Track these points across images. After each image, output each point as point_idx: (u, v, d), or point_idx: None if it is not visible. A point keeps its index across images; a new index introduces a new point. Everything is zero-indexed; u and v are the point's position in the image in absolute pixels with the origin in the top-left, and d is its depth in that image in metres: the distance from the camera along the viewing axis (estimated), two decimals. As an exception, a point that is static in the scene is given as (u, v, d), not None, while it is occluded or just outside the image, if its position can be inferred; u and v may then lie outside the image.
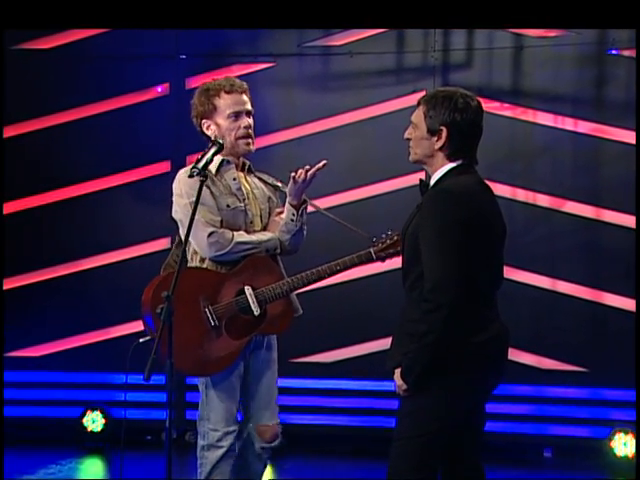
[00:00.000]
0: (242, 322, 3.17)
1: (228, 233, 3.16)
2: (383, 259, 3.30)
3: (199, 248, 3.17)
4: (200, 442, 3.20)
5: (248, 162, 3.37)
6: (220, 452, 3.15)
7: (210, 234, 3.13)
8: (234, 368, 3.20)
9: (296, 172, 3.26)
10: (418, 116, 2.77)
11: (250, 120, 3.27)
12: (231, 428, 3.19)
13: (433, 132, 2.72)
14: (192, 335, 3.10)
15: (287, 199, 3.29)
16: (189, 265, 3.23)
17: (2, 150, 5.25)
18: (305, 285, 3.23)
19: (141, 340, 2.91)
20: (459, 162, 2.74)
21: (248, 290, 3.18)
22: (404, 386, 2.67)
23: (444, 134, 2.71)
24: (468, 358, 2.64)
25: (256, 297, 3.18)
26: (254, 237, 3.22)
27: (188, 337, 3.08)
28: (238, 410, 3.25)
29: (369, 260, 3.28)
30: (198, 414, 3.22)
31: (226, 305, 3.15)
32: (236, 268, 3.19)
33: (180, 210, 3.19)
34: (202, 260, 3.20)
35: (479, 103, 2.77)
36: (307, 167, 3.27)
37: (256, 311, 3.17)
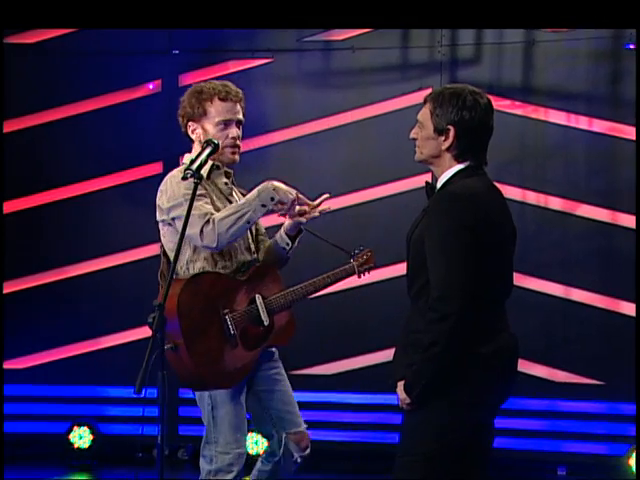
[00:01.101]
0: (252, 333, 3.19)
1: (215, 219, 3.11)
2: (360, 274, 3.46)
3: (195, 242, 3.15)
4: (206, 467, 3.15)
5: (231, 171, 3.40)
6: (230, 477, 3.13)
7: (204, 225, 3.10)
8: (242, 384, 3.20)
9: (298, 199, 3.23)
10: (424, 114, 2.78)
11: (239, 131, 3.29)
12: (243, 450, 3.18)
13: (440, 131, 2.73)
14: (215, 344, 3.10)
15: (284, 227, 3.30)
16: (187, 274, 3.20)
17: (2, 150, 5.26)
18: (305, 296, 3.30)
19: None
20: (467, 163, 2.75)
21: (259, 299, 3.21)
22: (407, 400, 2.67)
23: (451, 133, 2.72)
24: (475, 370, 2.64)
25: (266, 306, 3.22)
26: (236, 203, 3.17)
27: (210, 347, 3.08)
28: (247, 428, 3.24)
29: (352, 274, 3.44)
30: (204, 437, 3.19)
31: (242, 313, 3.17)
32: (246, 275, 3.22)
33: (176, 210, 3.15)
34: (201, 268, 3.19)
35: (489, 101, 2.78)
36: (315, 203, 3.27)
37: (266, 321, 3.20)
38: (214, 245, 3.12)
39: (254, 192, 3.17)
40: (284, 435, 3.27)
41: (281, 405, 3.29)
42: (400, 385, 2.69)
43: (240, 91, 3.31)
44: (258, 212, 3.14)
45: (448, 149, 2.74)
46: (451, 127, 2.72)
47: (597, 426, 4.97)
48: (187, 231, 2.97)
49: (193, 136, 3.28)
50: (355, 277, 3.47)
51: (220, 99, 3.25)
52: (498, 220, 2.73)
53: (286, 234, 3.31)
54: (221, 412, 3.16)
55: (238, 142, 3.29)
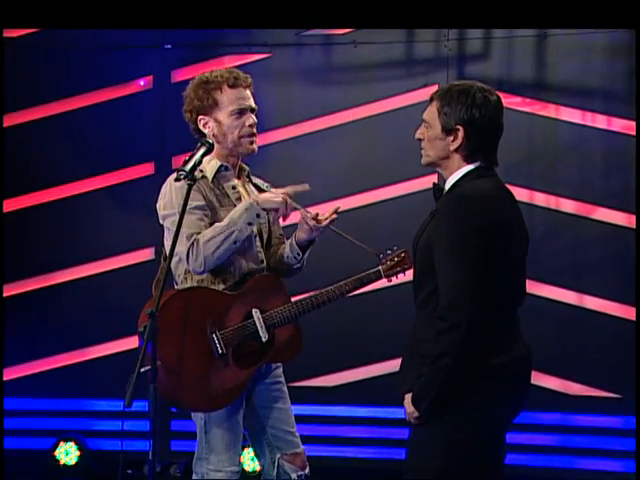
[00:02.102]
0: (249, 349, 3.15)
1: (199, 241, 3.09)
2: (390, 278, 3.35)
3: (184, 264, 3.14)
4: None
5: (247, 168, 3.38)
6: None
7: (189, 249, 3.08)
8: (239, 400, 3.19)
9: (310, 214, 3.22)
10: (431, 113, 2.77)
11: (255, 118, 3.27)
12: (236, 468, 3.17)
13: (448, 131, 2.72)
14: (199, 366, 3.08)
15: (295, 236, 3.27)
16: (183, 285, 3.21)
17: (2, 149, 5.24)
18: (314, 308, 3.22)
19: (142, 370, 2.80)
20: (477, 164, 2.74)
21: (256, 313, 3.16)
22: (415, 413, 2.66)
23: (461, 133, 2.71)
24: (487, 382, 2.64)
25: (264, 321, 3.17)
26: (220, 223, 3.12)
27: (194, 369, 3.06)
28: (241, 445, 3.23)
29: (378, 279, 3.33)
30: (196, 453, 3.19)
31: (234, 330, 3.13)
32: (242, 289, 3.17)
33: (169, 221, 3.16)
34: (201, 280, 3.18)
35: (499, 98, 2.78)
36: (331, 218, 3.24)
37: (264, 337, 3.15)
38: (201, 269, 3.10)
39: (239, 210, 3.13)
40: (278, 456, 3.25)
41: (278, 424, 3.27)
42: (407, 398, 2.68)
43: (248, 76, 3.29)
44: (245, 232, 3.12)
45: (457, 150, 2.73)
46: (460, 127, 2.71)
47: (614, 442, 4.95)
48: (174, 244, 2.99)
49: (206, 130, 3.23)
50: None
51: (230, 86, 3.22)
52: (509, 223, 2.73)
53: (297, 243, 3.28)
54: (215, 427, 3.14)
55: (255, 130, 3.25)
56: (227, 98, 3.21)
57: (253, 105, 3.27)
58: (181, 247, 3.07)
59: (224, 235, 3.09)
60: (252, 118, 3.25)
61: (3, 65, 5.20)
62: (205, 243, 3.07)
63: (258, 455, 3.34)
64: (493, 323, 2.64)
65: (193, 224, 3.10)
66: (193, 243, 3.08)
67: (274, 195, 3.18)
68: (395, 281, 3.43)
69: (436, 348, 2.60)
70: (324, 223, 3.24)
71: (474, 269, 2.59)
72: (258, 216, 3.13)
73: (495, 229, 2.65)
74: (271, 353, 3.19)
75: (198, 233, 3.10)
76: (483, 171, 2.75)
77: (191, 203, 3.03)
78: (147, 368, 2.84)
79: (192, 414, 3.22)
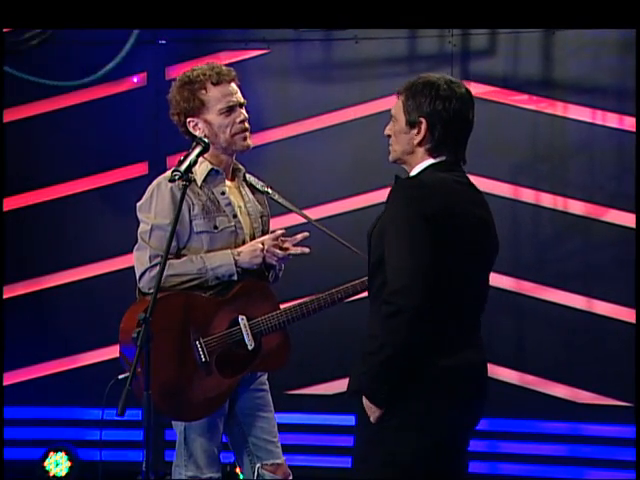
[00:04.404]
0: (234, 358, 3.16)
1: (160, 268, 3.05)
2: None
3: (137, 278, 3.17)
4: None
5: (243, 168, 3.38)
6: None
7: (148, 269, 3.12)
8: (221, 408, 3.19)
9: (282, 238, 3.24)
10: (397, 107, 2.77)
11: (245, 113, 3.28)
12: (215, 475, 3.19)
13: (412, 124, 2.71)
14: (180, 374, 3.08)
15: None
16: (166, 285, 3.21)
17: (2, 148, 5.26)
18: (304, 316, 3.23)
19: (120, 377, 2.85)
20: (442, 159, 2.74)
21: (242, 320, 3.16)
22: (377, 411, 2.61)
23: (424, 126, 2.70)
24: (430, 383, 2.60)
25: (251, 329, 3.17)
26: (193, 261, 3.14)
27: (175, 376, 3.07)
28: (220, 452, 3.25)
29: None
30: (175, 460, 3.22)
31: (218, 338, 3.13)
32: (229, 294, 3.17)
33: (140, 226, 3.18)
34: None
35: (467, 91, 2.76)
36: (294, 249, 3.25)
37: (250, 345, 3.15)
38: (148, 290, 3.12)
39: (215, 259, 3.14)
40: (258, 466, 3.26)
41: (260, 433, 3.28)
42: (364, 400, 2.63)
43: (231, 69, 3.30)
44: (210, 282, 3.16)
45: (420, 143, 2.72)
46: (423, 119, 2.70)
47: (624, 452, 4.94)
48: (135, 252, 3.01)
49: (196, 132, 3.22)
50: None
51: (214, 84, 3.22)
52: (463, 218, 2.66)
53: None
54: (194, 434, 3.17)
55: (247, 124, 3.26)
56: (213, 97, 3.21)
57: (241, 100, 3.28)
58: (140, 264, 3.12)
59: (189, 277, 3.14)
60: (242, 114, 3.25)
61: (3, 65, 5.19)
62: (169, 276, 3.10)
63: (239, 463, 3.35)
64: (443, 320, 2.60)
65: (160, 243, 3.10)
66: (155, 266, 3.11)
67: (253, 254, 3.18)
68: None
69: (381, 335, 2.55)
70: (295, 251, 3.26)
71: (421, 255, 2.55)
72: (231, 276, 3.15)
73: (443, 217, 2.60)
74: (257, 362, 3.20)
75: (162, 256, 3.06)
76: (447, 166, 2.72)
77: (168, 215, 3.06)
78: (125, 375, 2.85)
79: (172, 421, 3.23)
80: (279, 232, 3.25)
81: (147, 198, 3.18)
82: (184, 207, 3.13)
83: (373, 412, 2.63)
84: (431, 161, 2.72)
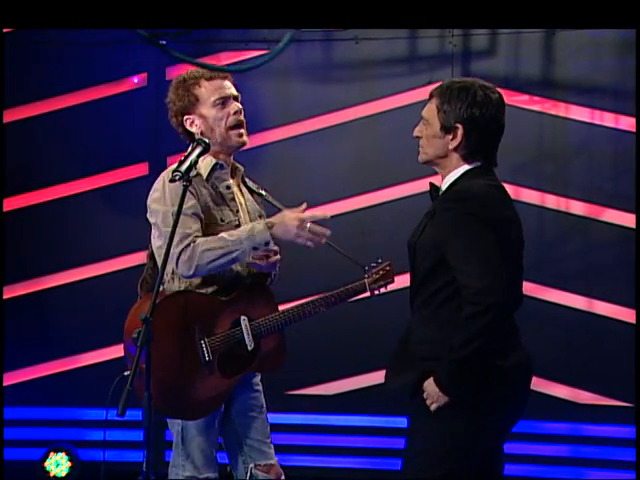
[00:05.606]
0: (234, 358, 3.19)
1: (197, 246, 3.11)
2: (373, 291, 3.44)
3: (173, 265, 3.15)
4: None
5: (242, 168, 3.40)
6: None
7: (182, 250, 3.09)
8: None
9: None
10: (430, 111, 2.80)
11: (239, 105, 3.30)
12: (212, 475, 3.21)
13: (447, 129, 2.75)
14: (184, 373, 3.11)
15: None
16: (170, 287, 3.23)
17: (2, 148, 5.27)
18: (301, 318, 3.26)
19: (126, 373, 2.85)
20: (476, 164, 2.78)
21: (244, 321, 3.20)
22: (443, 400, 2.65)
23: (460, 132, 2.74)
24: (494, 384, 2.65)
25: (251, 329, 3.20)
26: (226, 236, 3.13)
27: (179, 375, 3.09)
28: (217, 452, 3.27)
29: (363, 292, 3.41)
30: (171, 460, 3.23)
31: (222, 337, 3.16)
32: (232, 295, 3.21)
33: (159, 217, 3.17)
34: (186, 281, 3.20)
35: (500, 96, 2.81)
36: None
37: (250, 345, 3.19)
38: (189, 274, 3.12)
39: (248, 229, 3.14)
40: (251, 466, 3.29)
41: (254, 434, 3.31)
42: (430, 382, 2.66)
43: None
44: (248, 254, 3.14)
45: (456, 149, 2.76)
46: (460, 125, 2.74)
47: (624, 452, 4.96)
48: (156, 243, 3.01)
49: (193, 129, 3.26)
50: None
51: (207, 79, 3.27)
52: (509, 222, 2.76)
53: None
54: (191, 434, 3.19)
55: (242, 117, 3.28)
56: (207, 90, 3.25)
57: (235, 93, 3.31)
58: (173, 249, 3.07)
59: (225, 250, 3.11)
60: (236, 105, 3.28)
61: (3, 65, 5.21)
62: (203, 251, 3.09)
63: (231, 463, 3.37)
64: (513, 319, 2.70)
65: (187, 225, 3.10)
66: (188, 245, 3.09)
67: (292, 224, 3.14)
68: (396, 286, 3.46)
69: (467, 333, 2.59)
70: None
71: (495, 257, 2.62)
72: (267, 244, 3.14)
73: (498, 225, 2.68)
74: (255, 362, 3.23)
75: (192, 235, 3.11)
76: (481, 171, 2.78)
77: (187, 202, 3.05)
78: (127, 373, 2.86)
79: (168, 420, 3.25)
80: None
81: (159, 189, 3.19)
82: (194, 200, 3.15)
83: (438, 400, 2.65)
84: (466, 167, 2.77)
